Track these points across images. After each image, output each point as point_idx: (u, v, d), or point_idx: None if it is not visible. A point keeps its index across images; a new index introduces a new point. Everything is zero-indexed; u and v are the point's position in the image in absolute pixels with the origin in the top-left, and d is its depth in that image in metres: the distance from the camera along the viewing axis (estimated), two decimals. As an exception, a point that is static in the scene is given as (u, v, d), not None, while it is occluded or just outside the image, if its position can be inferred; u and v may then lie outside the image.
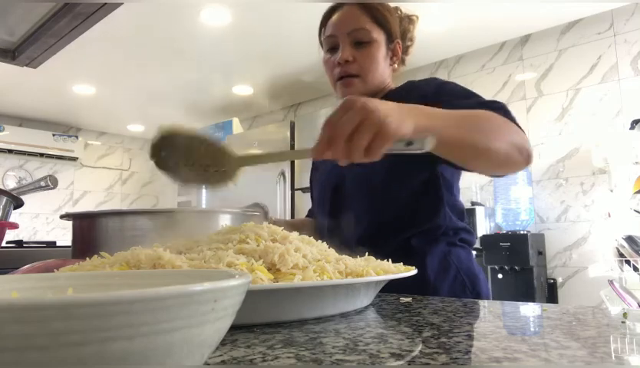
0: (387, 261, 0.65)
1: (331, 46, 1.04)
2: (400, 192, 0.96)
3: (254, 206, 1.09)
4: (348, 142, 0.56)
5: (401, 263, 0.68)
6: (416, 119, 0.61)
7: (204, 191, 5.38)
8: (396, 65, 1.08)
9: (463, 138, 0.69)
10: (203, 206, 5.36)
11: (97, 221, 0.79)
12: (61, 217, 0.85)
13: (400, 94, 1.03)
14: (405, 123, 0.58)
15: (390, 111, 0.57)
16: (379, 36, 1.01)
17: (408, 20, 1.09)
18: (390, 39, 1.04)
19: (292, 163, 3.62)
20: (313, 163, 1.25)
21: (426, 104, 0.71)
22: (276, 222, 1.02)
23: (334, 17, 1.02)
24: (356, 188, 1.01)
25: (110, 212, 0.80)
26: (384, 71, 1.04)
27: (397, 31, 1.05)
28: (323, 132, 0.57)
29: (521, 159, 0.76)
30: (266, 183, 3.71)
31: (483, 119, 0.74)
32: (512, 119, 0.79)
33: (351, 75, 1.01)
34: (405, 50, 1.09)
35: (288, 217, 3.64)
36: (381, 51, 1.02)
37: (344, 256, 0.61)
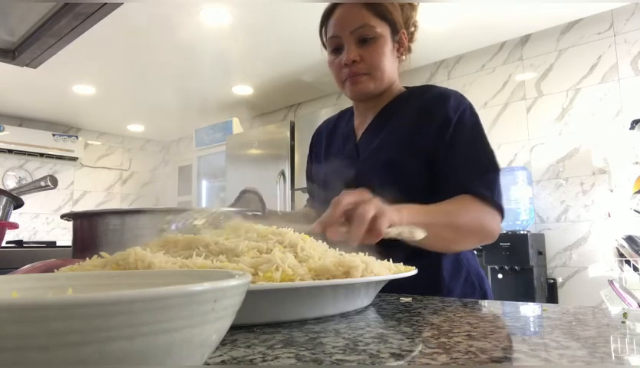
0: (390, 262, 0.65)
1: (335, 46, 1.01)
2: (416, 194, 0.94)
3: (246, 193, 1.05)
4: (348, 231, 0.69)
5: (400, 263, 0.68)
6: (399, 219, 0.73)
7: (204, 189, 5.39)
8: (404, 56, 1.05)
9: (434, 246, 0.87)
10: (203, 205, 5.37)
11: (97, 221, 0.79)
12: (62, 217, 0.85)
13: (418, 96, 1.02)
14: (394, 216, 0.72)
15: (390, 210, 0.70)
16: (384, 30, 0.98)
17: (410, 6, 1.05)
18: (394, 31, 1.00)
19: (292, 163, 3.63)
20: (311, 157, 1.22)
21: (444, 126, 0.92)
22: (270, 213, 1.02)
23: (335, 15, 0.99)
24: (373, 184, 1.00)
25: (110, 212, 0.80)
26: (392, 66, 1.01)
27: (401, 21, 1.01)
28: (332, 211, 0.69)
29: (478, 245, 0.93)
30: (266, 183, 3.71)
31: (458, 231, 0.85)
32: (496, 198, 0.89)
33: (359, 74, 0.99)
34: (410, 38, 1.06)
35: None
36: (388, 45, 0.99)
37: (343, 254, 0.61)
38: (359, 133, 1.08)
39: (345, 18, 0.98)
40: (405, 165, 0.94)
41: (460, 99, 0.98)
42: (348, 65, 0.98)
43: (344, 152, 1.07)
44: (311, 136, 1.26)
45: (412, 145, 0.95)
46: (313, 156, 1.22)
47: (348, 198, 0.70)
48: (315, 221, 0.70)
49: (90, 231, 0.80)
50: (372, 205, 0.69)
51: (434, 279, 0.92)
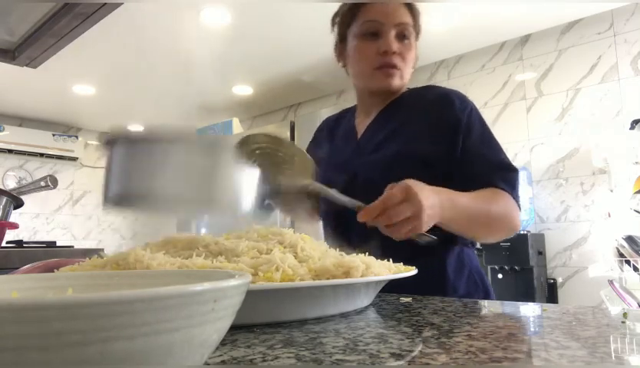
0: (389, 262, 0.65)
1: (371, 31, 0.99)
2: None
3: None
4: (392, 224, 0.73)
5: (400, 263, 0.68)
6: (441, 216, 0.78)
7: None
8: (414, 67, 1.07)
9: (466, 232, 0.91)
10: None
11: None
12: (104, 141, 0.56)
13: (421, 96, 1.04)
14: (433, 220, 0.77)
15: (431, 209, 0.75)
16: (413, 35, 1.01)
17: (419, 15, 1.07)
18: (417, 36, 1.03)
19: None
20: (311, 153, 1.22)
21: (455, 128, 0.94)
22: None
23: (378, 4, 0.99)
24: (375, 180, 0.98)
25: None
26: (410, 71, 1.04)
27: (420, 32, 1.04)
28: (379, 204, 0.73)
29: (504, 237, 0.95)
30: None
31: (495, 215, 0.88)
32: (516, 196, 0.92)
33: (394, 66, 0.98)
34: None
35: (288, 218, 3.63)
36: (415, 49, 1.02)
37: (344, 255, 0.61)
38: (361, 129, 1.07)
39: (392, 10, 0.98)
40: (406, 164, 0.94)
41: (464, 99, 1.00)
42: (388, 54, 0.97)
43: (346, 149, 1.07)
44: (311, 136, 1.25)
45: (416, 144, 0.96)
46: (313, 152, 1.20)
47: (394, 197, 0.72)
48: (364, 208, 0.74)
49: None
50: (410, 205, 0.72)
51: (439, 277, 0.92)
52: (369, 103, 1.08)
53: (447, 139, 0.94)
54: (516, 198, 0.91)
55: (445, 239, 0.96)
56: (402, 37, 0.98)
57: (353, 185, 0.99)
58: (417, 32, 1.03)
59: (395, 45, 0.97)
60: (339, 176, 1.01)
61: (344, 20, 1.05)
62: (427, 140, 0.96)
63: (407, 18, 0.98)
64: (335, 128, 1.17)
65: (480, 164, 0.94)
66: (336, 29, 1.08)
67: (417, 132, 0.97)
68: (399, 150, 0.96)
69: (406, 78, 1.02)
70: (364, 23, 0.99)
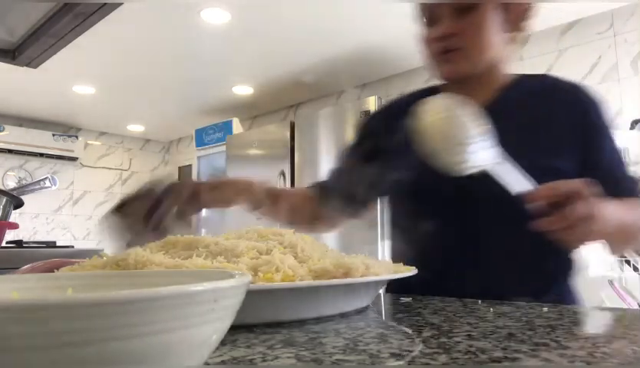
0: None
1: (428, 16, 0.85)
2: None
3: None
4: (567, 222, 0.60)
5: (401, 263, 0.68)
6: (604, 231, 0.66)
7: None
8: (518, 31, 0.86)
9: (619, 240, 0.78)
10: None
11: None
12: None
13: (535, 89, 0.87)
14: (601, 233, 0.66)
15: (601, 223, 0.62)
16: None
17: None
18: None
19: (292, 163, 3.62)
20: (366, 137, 0.97)
21: (584, 129, 0.80)
22: (272, 190, 0.91)
23: None
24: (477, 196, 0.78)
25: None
26: (496, 42, 0.83)
27: None
28: (555, 190, 0.61)
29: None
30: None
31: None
32: None
33: (453, 49, 0.82)
34: (528, 10, 0.85)
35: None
36: (491, 17, 0.81)
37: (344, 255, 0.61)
38: None
39: None
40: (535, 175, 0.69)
41: (593, 97, 0.85)
42: (441, 39, 0.82)
43: None
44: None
45: (549, 157, 0.79)
46: (372, 136, 0.95)
47: (573, 185, 0.61)
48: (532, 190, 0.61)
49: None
50: (589, 205, 0.60)
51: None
52: (457, 92, 0.83)
53: (582, 151, 0.81)
54: None
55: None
56: (462, 10, 0.81)
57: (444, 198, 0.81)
58: None
59: (448, 27, 0.81)
60: (429, 181, 0.77)
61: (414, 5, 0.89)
62: (562, 153, 0.80)
63: None
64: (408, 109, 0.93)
65: (623, 177, 0.83)
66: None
67: (550, 142, 0.81)
68: (530, 163, 0.69)
69: (479, 58, 0.83)
70: (418, 7, 0.86)
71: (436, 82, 0.95)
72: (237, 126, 4.58)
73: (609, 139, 0.84)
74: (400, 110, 0.89)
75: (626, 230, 0.74)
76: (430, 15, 0.84)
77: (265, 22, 2.99)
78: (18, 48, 1.36)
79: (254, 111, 4.92)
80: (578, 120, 0.82)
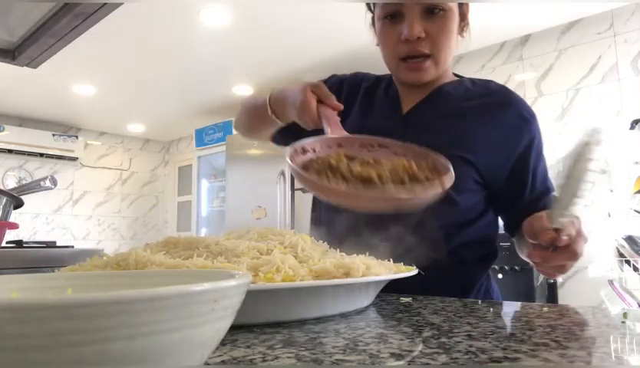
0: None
1: (391, 12, 0.82)
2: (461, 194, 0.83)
3: None
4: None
5: (401, 263, 0.68)
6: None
7: (204, 189, 5.38)
8: (464, 33, 0.89)
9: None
10: (203, 205, 5.37)
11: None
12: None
13: (481, 93, 0.89)
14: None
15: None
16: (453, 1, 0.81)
17: None
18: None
19: (292, 163, 3.62)
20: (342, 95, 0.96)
21: (517, 146, 0.83)
22: None
23: None
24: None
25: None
26: (454, 45, 0.85)
27: None
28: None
29: None
30: (266, 183, 3.71)
31: None
32: None
33: (422, 55, 0.81)
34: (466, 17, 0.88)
35: (288, 218, 3.64)
36: (455, 20, 0.83)
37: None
38: (406, 104, 0.90)
39: None
40: (462, 168, 0.78)
41: (533, 112, 0.87)
42: (411, 42, 0.80)
43: (383, 120, 0.89)
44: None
45: (484, 159, 0.82)
46: (342, 97, 0.95)
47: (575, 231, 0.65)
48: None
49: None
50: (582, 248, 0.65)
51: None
52: (409, 89, 0.91)
53: (512, 159, 0.84)
54: None
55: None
56: (430, 12, 0.80)
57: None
58: None
59: (419, 28, 0.79)
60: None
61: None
62: (492, 154, 0.83)
63: None
64: (373, 90, 0.96)
65: (544, 191, 0.85)
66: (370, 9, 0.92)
67: (486, 145, 0.83)
68: (460, 155, 0.79)
69: (444, 62, 0.84)
70: (383, 4, 0.83)
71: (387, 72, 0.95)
72: (237, 126, 4.58)
73: (540, 155, 0.86)
74: (354, 86, 0.97)
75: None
76: (396, 13, 0.82)
77: (265, 22, 2.99)
78: (18, 48, 1.36)
79: (254, 111, 4.92)
80: (514, 129, 0.84)
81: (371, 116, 0.92)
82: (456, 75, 0.96)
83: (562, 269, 0.68)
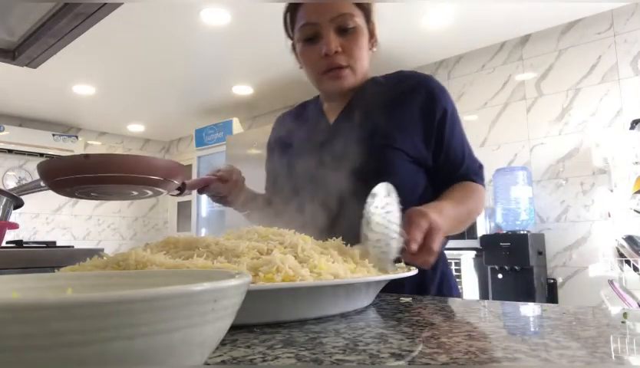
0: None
1: (308, 35, 0.94)
2: (395, 178, 0.90)
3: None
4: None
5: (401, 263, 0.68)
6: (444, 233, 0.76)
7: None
8: (374, 48, 1.00)
9: (455, 231, 0.88)
10: (203, 204, 5.37)
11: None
12: None
13: (393, 84, 0.99)
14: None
15: (443, 231, 0.74)
16: (361, 19, 0.94)
17: None
18: (368, 20, 0.96)
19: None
20: (272, 149, 1.15)
21: (440, 124, 0.92)
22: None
23: (310, 4, 0.93)
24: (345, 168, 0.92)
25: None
26: (367, 58, 0.97)
27: (371, 10, 0.97)
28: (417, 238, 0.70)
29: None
30: (263, 183, 3.70)
31: (472, 213, 0.93)
32: (484, 184, 0.97)
33: (340, 66, 0.93)
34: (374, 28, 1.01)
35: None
36: (365, 36, 0.95)
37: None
38: (331, 116, 1.02)
39: (324, 5, 0.91)
40: (389, 154, 0.90)
41: (445, 91, 0.97)
42: (330, 56, 0.92)
43: (316, 135, 1.01)
44: None
45: (402, 138, 0.92)
46: (276, 145, 1.14)
47: (424, 223, 0.71)
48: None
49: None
50: (439, 231, 0.71)
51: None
52: (333, 99, 1.04)
53: (432, 134, 0.93)
54: (484, 184, 0.97)
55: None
56: (343, 30, 0.92)
57: (326, 167, 0.93)
58: (367, 13, 0.95)
59: (335, 44, 0.91)
60: (310, 164, 0.94)
61: (287, 24, 1.01)
62: (413, 135, 0.92)
63: (346, 7, 0.91)
64: (299, 116, 1.11)
65: (462, 157, 0.95)
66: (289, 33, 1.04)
67: (405, 128, 0.93)
68: (385, 143, 0.91)
69: (360, 72, 0.96)
70: (301, 28, 0.94)
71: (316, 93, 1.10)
72: (237, 126, 4.58)
73: (457, 124, 0.95)
74: (289, 122, 1.14)
75: (458, 221, 0.86)
76: (312, 33, 0.93)
77: (265, 22, 2.99)
78: (18, 48, 1.36)
79: (254, 111, 4.92)
80: (426, 106, 0.93)
81: (304, 130, 1.05)
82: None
83: (425, 264, 0.72)
